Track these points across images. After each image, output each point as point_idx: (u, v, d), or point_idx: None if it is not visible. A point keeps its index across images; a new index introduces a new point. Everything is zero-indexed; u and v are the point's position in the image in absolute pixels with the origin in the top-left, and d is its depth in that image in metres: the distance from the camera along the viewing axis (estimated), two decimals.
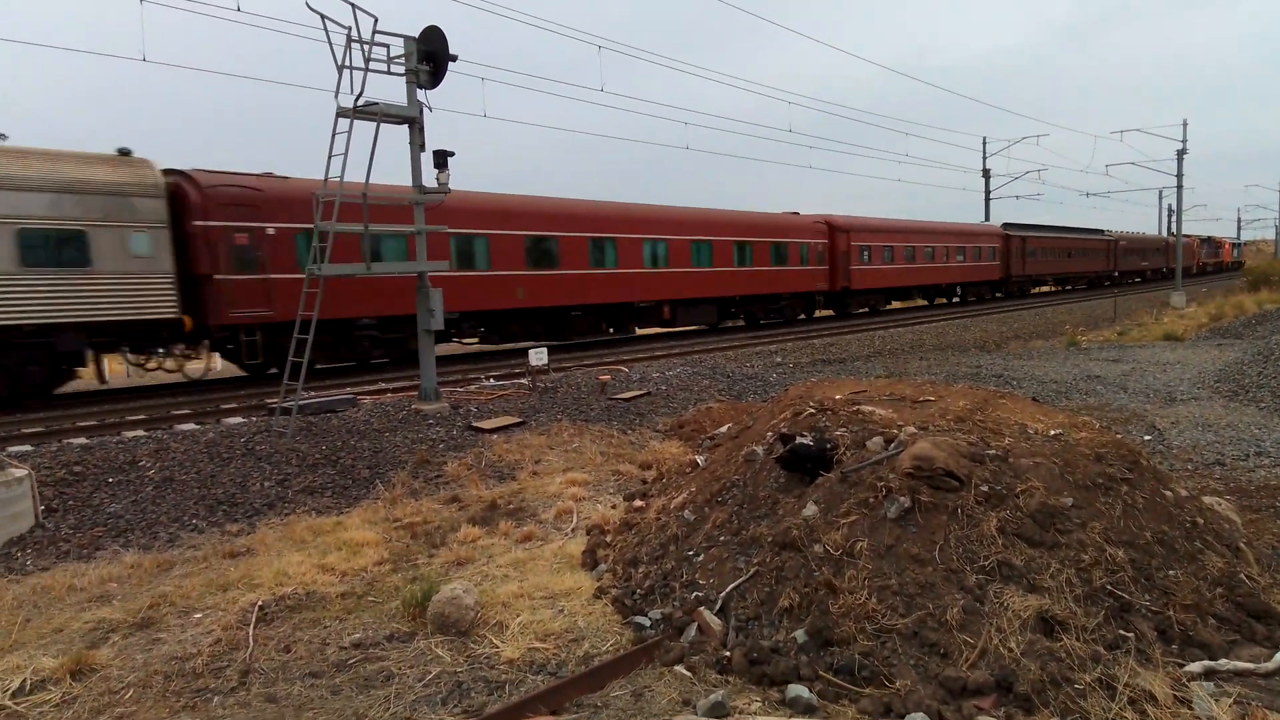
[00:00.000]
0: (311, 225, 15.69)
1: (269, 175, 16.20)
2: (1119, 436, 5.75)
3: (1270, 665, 3.83)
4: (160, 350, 15.53)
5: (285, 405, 10.47)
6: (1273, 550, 5.51)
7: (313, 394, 12.52)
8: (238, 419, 11.30)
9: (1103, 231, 58.68)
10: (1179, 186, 43.36)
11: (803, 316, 30.89)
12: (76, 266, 13.40)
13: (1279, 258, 68.23)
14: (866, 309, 33.89)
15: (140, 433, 10.27)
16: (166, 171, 14.88)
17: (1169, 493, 5.13)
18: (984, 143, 51.12)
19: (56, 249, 13.26)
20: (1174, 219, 47.66)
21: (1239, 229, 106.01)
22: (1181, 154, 42.05)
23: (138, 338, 14.69)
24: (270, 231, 16.43)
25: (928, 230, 38.45)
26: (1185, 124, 41.48)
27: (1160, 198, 76.12)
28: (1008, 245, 43.30)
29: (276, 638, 4.99)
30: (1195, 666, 3.87)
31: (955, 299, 41.14)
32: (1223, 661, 3.89)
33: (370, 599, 5.62)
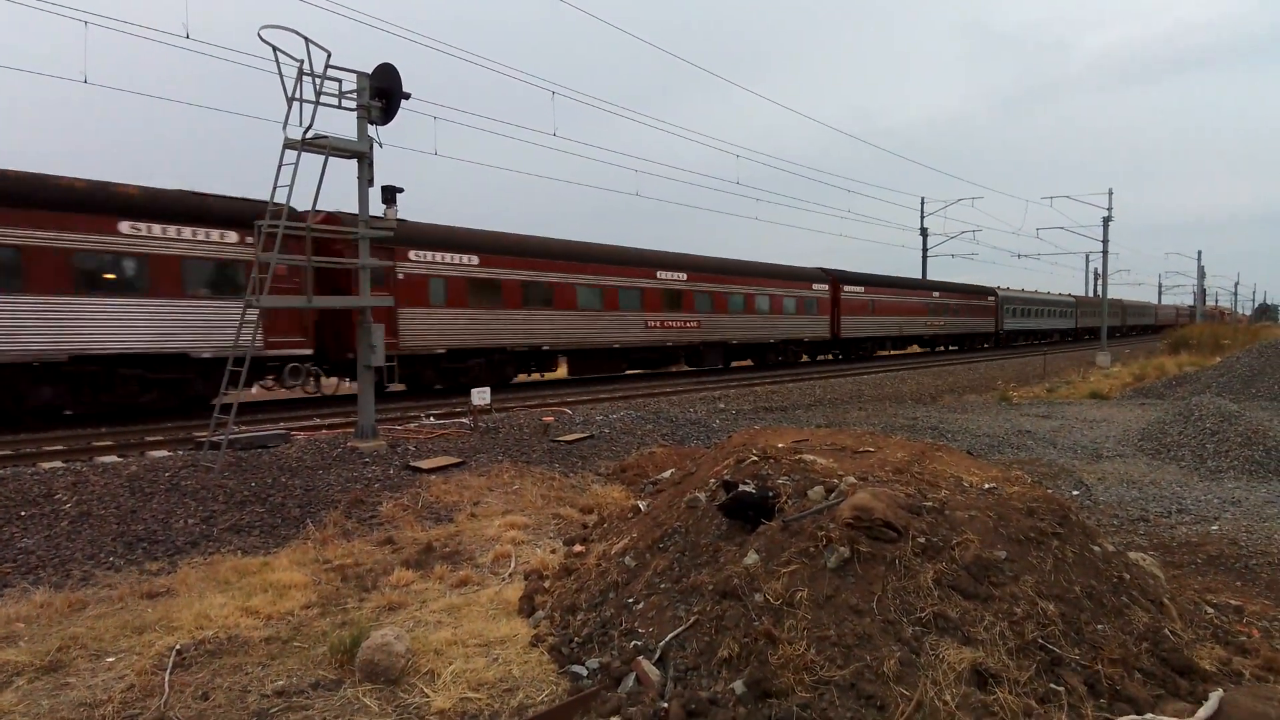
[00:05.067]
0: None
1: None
2: (1049, 491, 5.91)
3: None
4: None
5: (214, 439, 10.13)
6: (1194, 606, 5.67)
7: (243, 428, 12.15)
8: (163, 452, 10.90)
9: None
10: (1104, 251, 45.40)
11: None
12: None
13: (1199, 322, 71.63)
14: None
15: (58, 464, 9.82)
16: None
17: (1097, 548, 5.26)
18: (922, 203, 52.93)
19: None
20: (1100, 282, 49.80)
21: (1159, 294, 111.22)
22: (1107, 220, 44.11)
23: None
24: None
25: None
26: (1110, 193, 43.66)
27: (1087, 261, 79.64)
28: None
29: (194, 684, 4.75)
30: None
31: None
32: (1149, 716, 3.96)
33: (296, 644, 5.40)
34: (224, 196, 17.38)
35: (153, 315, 15.73)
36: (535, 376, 25.90)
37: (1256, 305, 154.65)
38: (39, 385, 14.69)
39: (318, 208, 11.11)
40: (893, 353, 45.89)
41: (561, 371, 26.37)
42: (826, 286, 36.98)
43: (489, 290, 22.07)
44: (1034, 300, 60.56)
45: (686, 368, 30.65)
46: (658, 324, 27.47)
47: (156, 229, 15.82)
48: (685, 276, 28.77)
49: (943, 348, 50.50)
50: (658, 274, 27.60)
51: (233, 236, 16.75)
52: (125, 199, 15.66)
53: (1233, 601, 6.11)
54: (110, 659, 5.12)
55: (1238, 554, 7.45)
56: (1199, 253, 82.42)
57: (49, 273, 14.46)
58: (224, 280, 16.77)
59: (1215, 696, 4.07)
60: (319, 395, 19.34)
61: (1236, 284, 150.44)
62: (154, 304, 15.75)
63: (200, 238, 16.41)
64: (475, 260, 21.78)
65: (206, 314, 16.38)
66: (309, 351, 18.19)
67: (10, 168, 14.55)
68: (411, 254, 20.16)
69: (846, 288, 38.05)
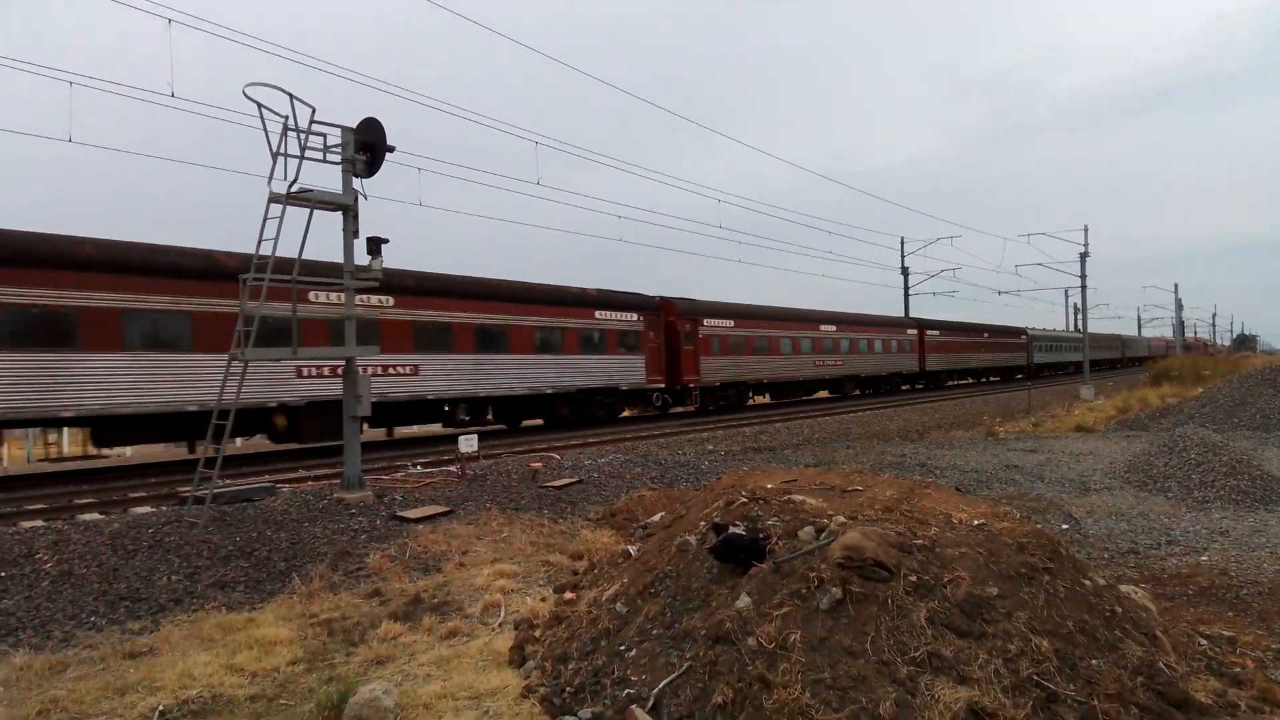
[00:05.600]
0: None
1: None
2: (1039, 526, 5.91)
3: None
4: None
5: (198, 494, 10.01)
6: (1187, 638, 5.66)
7: (228, 482, 12.03)
8: (146, 508, 10.76)
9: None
10: (1083, 286, 46.00)
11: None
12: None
13: (1176, 355, 72.57)
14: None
15: (39, 523, 9.66)
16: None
17: (1088, 582, 5.26)
18: (902, 242, 53.61)
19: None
20: (1079, 316, 50.51)
21: (1139, 327, 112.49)
22: (1084, 256, 44.77)
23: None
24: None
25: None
26: (1086, 229, 44.37)
27: (1067, 296, 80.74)
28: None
29: None
30: None
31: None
32: None
33: (282, 701, 5.29)
34: (628, 293, 28.85)
35: (585, 365, 26.02)
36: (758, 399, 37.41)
37: (1235, 336, 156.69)
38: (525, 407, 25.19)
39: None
40: (958, 383, 55.46)
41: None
42: (915, 332, 47.68)
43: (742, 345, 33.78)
44: (1057, 338, 71.08)
45: (829, 394, 41.92)
46: (820, 363, 38.94)
47: (608, 314, 26.91)
48: (835, 328, 39.94)
49: (985, 379, 59.17)
50: (819, 327, 38.80)
51: (634, 316, 28.25)
52: (591, 299, 26.67)
53: (1225, 632, 6.10)
54: None
55: (1228, 584, 7.46)
56: (1175, 285, 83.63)
57: (570, 341, 25.67)
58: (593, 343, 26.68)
59: None
60: (659, 412, 30.17)
61: (1214, 315, 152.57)
62: (586, 358, 26.33)
63: (619, 319, 27.41)
64: (731, 324, 33.15)
65: (604, 363, 26.87)
66: (663, 384, 29.31)
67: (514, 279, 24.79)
68: (706, 321, 31.64)
69: (928, 332, 48.65)
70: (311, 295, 17.77)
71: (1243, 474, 11.98)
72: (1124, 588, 5.92)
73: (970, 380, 57.68)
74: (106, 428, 16.01)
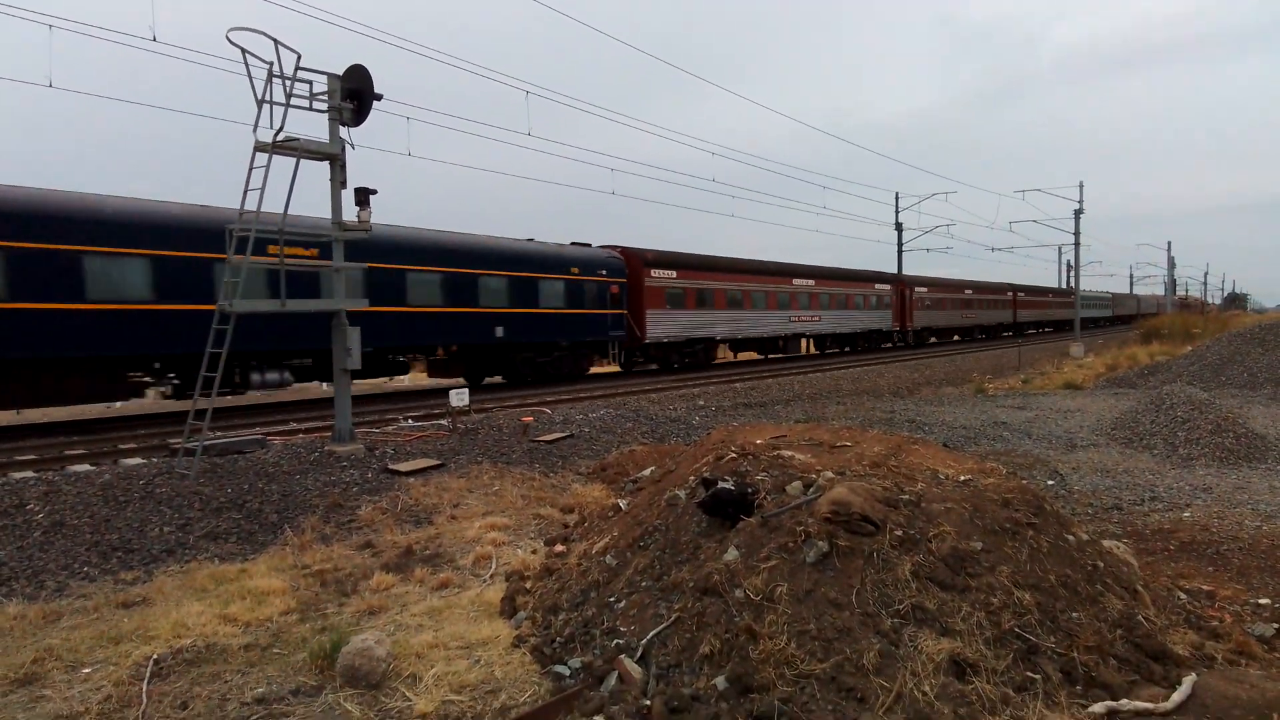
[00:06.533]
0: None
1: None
2: (1024, 482, 5.97)
3: (1168, 705, 3.98)
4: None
5: (189, 445, 10.01)
6: (1167, 592, 5.76)
7: (219, 434, 12.03)
8: (137, 460, 10.76)
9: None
10: (1076, 244, 45.94)
11: None
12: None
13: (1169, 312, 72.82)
14: None
15: (29, 474, 9.66)
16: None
17: (1071, 537, 5.34)
18: (896, 198, 53.23)
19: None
20: (1072, 273, 50.48)
21: (1131, 284, 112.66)
22: (1078, 213, 44.64)
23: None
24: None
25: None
26: (1081, 185, 44.17)
27: (1060, 254, 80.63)
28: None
29: (173, 693, 4.70)
30: (1098, 707, 3.99)
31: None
32: (1124, 702, 4.03)
33: (275, 651, 5.36)
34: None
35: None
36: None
37: (1226, 294, 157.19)
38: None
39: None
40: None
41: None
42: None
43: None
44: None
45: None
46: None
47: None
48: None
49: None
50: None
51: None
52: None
53: (1205, 587, 6.22)
54: (86, 670, 5.05)
55: (1209, 540, 7.58)
56: (1169, 244, 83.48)
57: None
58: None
59: (1189, 681, 4.14)
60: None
61: (1206, 274, 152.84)
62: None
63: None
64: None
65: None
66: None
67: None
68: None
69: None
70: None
71: (1228, 431, 12.11)
72: (1106, 543, 6.00)
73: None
74: None
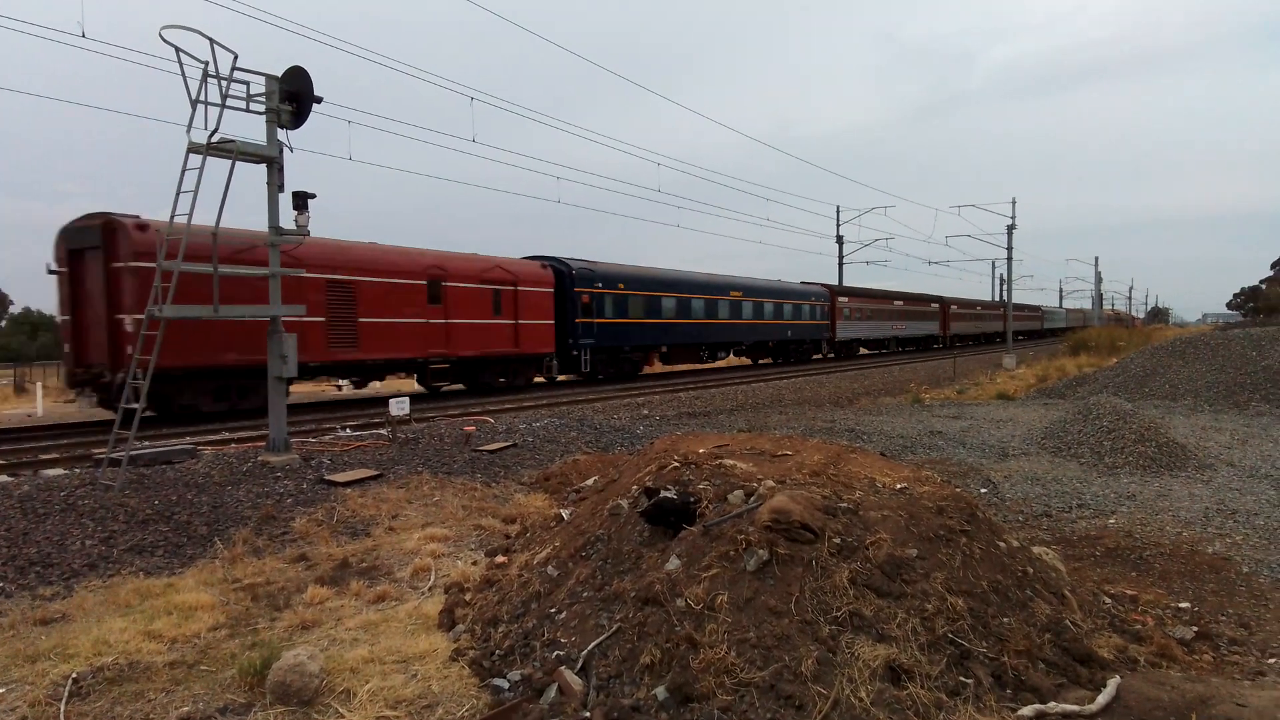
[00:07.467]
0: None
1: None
2: (958, 490, 6.11)
3: (1094, 707, 4.10)
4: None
5: (114, 455, 9.65)
6: (1093, 596, 5.95)
7: (147, 444, 11.62)
8: (58, 470, 10.33)
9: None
10: (1009, 258, 47.37)
11: None
12: None
13: (1094, 326, 75.47)
14: None
15: None
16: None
17: (1003, 543, 5.47)
18: (838, 211, 54.28)
19: None
20: (1005, 287, 52.02)
21: (1060, 298, 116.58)
22: (1011, 229, 46.04)
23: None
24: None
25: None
26: (1014, 202, 45.57)
27: (994, 267, 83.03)
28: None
29: (93, 714, 4.51)
30: (1027, 710, 4.09)
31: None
32: (1052, 704, 4.14)
33: (203, 668, 5.18)
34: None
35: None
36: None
37: (1149, 308, 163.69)
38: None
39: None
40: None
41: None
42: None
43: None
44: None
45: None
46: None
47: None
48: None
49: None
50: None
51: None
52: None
53: (1129, 591, 6.44)
54: (0, 691, 4.82)
55: (1133, 545, 7.85)
56: (1095, 259, 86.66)
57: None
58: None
59: (1113, 683, 4.27)
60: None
61: (1130, 288, 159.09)
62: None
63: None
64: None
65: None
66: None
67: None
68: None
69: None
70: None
71: (1150, 441, 12.57)
72: (1036, 549, 6.17)
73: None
74: None
